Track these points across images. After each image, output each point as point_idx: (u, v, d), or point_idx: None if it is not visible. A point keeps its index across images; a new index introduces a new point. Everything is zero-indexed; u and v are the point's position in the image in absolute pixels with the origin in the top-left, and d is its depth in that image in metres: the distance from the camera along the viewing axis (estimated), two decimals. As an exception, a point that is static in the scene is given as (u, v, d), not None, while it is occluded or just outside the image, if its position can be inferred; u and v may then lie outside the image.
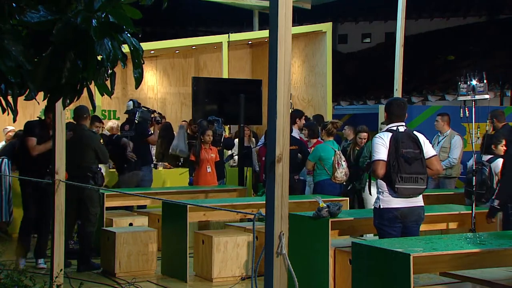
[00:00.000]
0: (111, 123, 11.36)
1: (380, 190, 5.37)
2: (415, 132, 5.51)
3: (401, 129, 5.40)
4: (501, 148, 7.32)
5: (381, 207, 5.34)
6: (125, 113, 10.07)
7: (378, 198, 5.40)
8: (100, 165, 8.00)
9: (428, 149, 5.48)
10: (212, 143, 9.60)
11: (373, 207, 5.55)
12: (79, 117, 7.59)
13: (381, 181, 5.34)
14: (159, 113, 10.25)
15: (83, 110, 7.61)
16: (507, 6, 35.77)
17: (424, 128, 9.19)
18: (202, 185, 9.35)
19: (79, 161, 7.35)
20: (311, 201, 7.13)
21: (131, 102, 9.80)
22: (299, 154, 8.99)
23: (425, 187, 5.37)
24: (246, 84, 12.62)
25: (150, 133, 9.63)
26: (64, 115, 5.70)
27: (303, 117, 10.47)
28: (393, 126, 5.43)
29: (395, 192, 5.26)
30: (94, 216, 7.56)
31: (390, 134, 5.35)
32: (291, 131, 9.29)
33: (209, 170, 9.43)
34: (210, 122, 10.06)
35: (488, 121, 9.22)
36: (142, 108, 9.78)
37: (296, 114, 10.07)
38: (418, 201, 5.42)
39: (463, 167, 9.75)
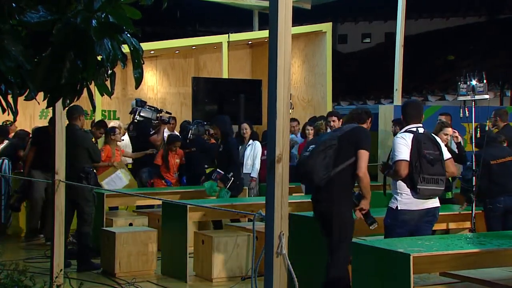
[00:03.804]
0: (113, 124, 11.37)
1: (398, 191, 5.33)
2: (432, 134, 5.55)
3: (421, 130, 5.40)
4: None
5: (399, 208, 5.30)
6: (129, 113, 9.98)
7: (395, 198, 5.35)
8: None
9: (444, 152, 5.48)
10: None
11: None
12: (72, 117, 7.55)
13: (400, 182, 5.30)
14: (167, 112, 10.11)
15: (76, 110, 7.57)
16: (507, 6, 35.82)
17: (424, 128, 9.15)
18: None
19: (72, 162, 7.31)
20: (311, 201, 7.10)
21: (134, 101, 9.69)
22: None
23: (443, 188, 5.38)
24: (246, 84, 12.63)
25: (151, 132, 9.53)
26: (64, 114, 5.72)
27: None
28: (412, 127, 5.42)
29: (416, 193, 5.23)
30: (90, 216, 7.55)
31: (411, 134, 5.33)
32: None
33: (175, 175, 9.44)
34: (188, 123, 9.93)
35: (490, 119, 9.18)
36: (146, 107, 9.65)
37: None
38: (435, 202, 5.43)
39: (463, 167, 9.72)
